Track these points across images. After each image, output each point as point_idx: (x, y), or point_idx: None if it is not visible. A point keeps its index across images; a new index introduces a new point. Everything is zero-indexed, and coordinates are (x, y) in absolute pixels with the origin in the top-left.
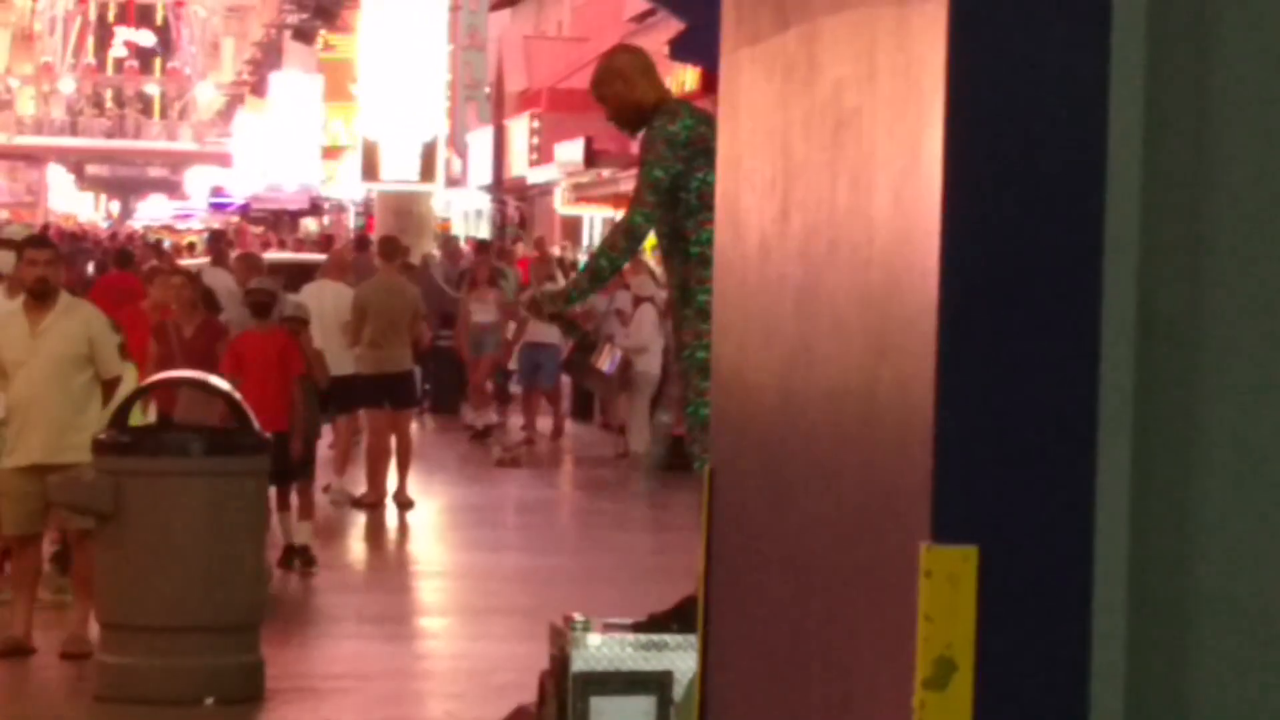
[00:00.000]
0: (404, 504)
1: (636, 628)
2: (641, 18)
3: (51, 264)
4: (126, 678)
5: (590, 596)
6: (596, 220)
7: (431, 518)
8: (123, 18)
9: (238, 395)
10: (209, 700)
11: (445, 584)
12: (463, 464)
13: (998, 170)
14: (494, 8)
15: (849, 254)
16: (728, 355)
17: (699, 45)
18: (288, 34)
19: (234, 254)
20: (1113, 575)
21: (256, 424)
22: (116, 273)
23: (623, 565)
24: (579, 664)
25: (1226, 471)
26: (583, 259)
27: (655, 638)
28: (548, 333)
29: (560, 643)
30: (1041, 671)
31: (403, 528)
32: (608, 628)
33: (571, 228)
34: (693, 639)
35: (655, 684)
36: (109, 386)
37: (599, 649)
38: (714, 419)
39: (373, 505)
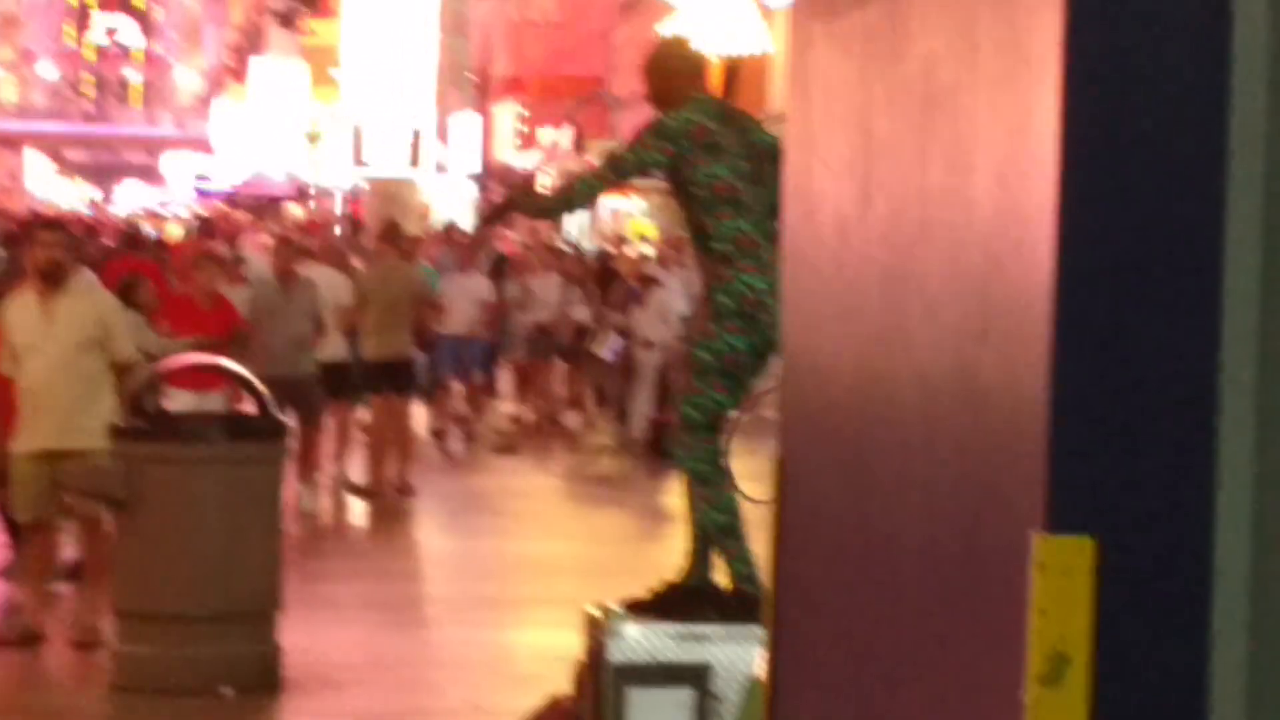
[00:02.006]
0: (405, 491)
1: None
2: (630, 2)
3: (63, 246)
4: (142, 667)
5: (599, 586)
6: None
7: (432, 505)
8: (103, 3)
9: (253, 378)
10: (226, 690)
11: (452, 572)
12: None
13: (1116, 147)
14: None
15: (944, 235)
16: (800, 340)
17: None
18: (270, 19)
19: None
20: (1234, 568)
21: (275, 409)
22: (127, 258)
23: (626, 554)
24: (616, 655)
25: None
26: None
27: (694, 629)
28: (466, 325)
29: (596, 633)
30: (1160, 667)
31: (405, 515)
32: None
33: None
34: (732, 630)
35: (693, 676)
36: (122, 370)
37: (637, 640)
38: (784, 406)
39: (373, 493)
